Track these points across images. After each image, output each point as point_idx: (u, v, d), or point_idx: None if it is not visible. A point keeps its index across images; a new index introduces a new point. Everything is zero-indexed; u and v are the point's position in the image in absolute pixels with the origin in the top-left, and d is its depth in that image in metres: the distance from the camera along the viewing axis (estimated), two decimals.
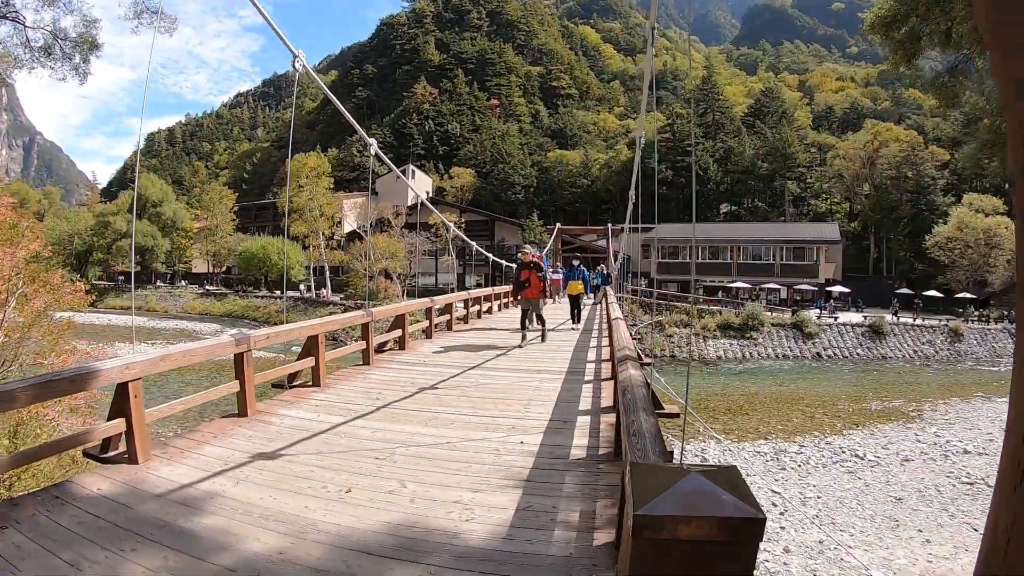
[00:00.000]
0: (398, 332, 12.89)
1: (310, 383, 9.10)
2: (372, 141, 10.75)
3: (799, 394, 31.43)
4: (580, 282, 19.81)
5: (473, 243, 30.10)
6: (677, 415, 7.54)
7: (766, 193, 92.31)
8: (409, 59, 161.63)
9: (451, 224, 27.84)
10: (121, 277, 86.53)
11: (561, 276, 39.31)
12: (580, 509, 4.58)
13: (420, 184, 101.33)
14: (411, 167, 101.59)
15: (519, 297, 14.52)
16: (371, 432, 6.69)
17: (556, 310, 23.69)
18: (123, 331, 51.95)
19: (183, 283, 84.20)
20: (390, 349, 12.77)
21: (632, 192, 19.31)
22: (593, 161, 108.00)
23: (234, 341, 7.17)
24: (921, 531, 14.53)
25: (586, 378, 10.05)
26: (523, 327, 14.39)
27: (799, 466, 19.17)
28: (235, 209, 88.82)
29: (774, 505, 15.80)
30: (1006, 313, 54.86)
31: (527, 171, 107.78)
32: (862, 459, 19.82)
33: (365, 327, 11.05)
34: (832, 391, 32.69)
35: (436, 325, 16.15)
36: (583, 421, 7.18)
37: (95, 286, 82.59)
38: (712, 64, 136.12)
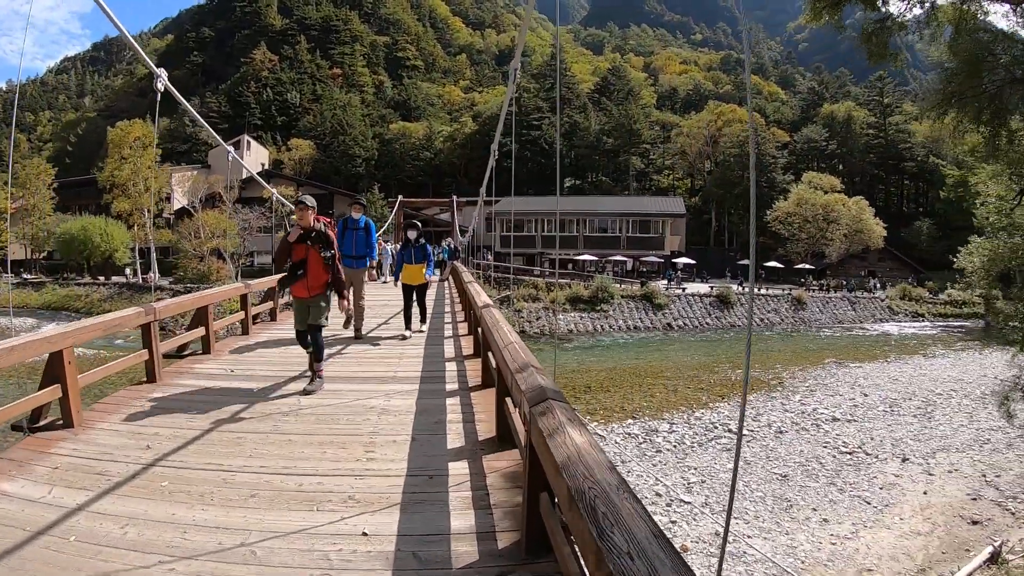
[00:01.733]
0: (200, 331, 9.72)
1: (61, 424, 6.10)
2: (161, 72, 8.92)
3: (658, 367, 29.95)
4: (422, 266, 11.97)
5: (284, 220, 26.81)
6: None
7: (610, 168, 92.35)
8: (249, 23, 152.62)
9: (285, 199, 24.89)
10: None
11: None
12: None
13: (256, 156, 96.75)
14: (246, 137, 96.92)
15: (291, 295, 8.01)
16: (120, 530, 3.88)
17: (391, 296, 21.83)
18: None
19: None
20: (191, 355, 9.66)
21: (495, 149, 16.35)
22: (437, 134, 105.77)
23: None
24: (816, 510, 13.55)
25: (449, 387, 7.84)
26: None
27: (674, 447, 17.32)
28: (55, 186, 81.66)
29: (658, 495, 13.85)
30: (844, 282, 56.67)
31: (368, 143, 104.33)
32: (735, 433, 18.10)
33: (146, 330, 7.86)
34: (689, 361, 31.56)
35: (257, 317, 13.53)
36: (458, 472, 4.94)
37: None
38: (559, 43, 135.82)
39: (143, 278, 60.15)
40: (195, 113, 12.79)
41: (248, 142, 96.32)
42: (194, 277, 51.14)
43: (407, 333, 11.63)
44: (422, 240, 12.32)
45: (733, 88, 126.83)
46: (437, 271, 36.56)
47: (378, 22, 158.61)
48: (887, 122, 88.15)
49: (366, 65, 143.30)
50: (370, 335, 11.66)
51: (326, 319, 7.86)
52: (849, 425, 19.71)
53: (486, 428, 5.91)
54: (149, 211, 60.59)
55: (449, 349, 10.50)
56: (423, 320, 12.62)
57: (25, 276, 69.44)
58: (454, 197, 56.44)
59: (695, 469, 15.46)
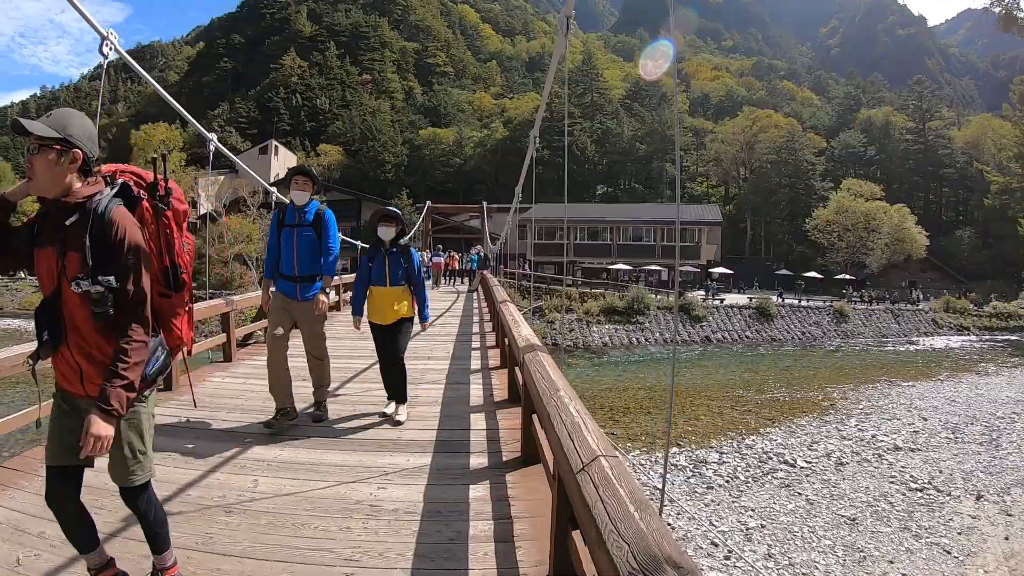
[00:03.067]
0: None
1: None
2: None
3: (700, 385, 28.04)
4: (400, 290, 6.72)
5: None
6: None
7: (643, 175, 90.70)
8: (279, 29, 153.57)
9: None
10: None
11: (443, 259, 35.55)
12: None
13: (284, 161, 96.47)
14: (274, 142, 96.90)
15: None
16: None
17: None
18: None
19: (23, 275, 75.98)
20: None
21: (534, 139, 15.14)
22: (467, 140, 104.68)
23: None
24: (892, 563, 11.79)
25: (475, 460, 5.37)
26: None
27: (727, 482, 15.57)
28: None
29: (715, 545, 12.26)
30: (887, 295, 54.76)
31: (398, 149, 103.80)
32: (793, 467, 16.54)
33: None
34: (732, 379, 29.68)
35: (249, 337, 11.86)
36: None
37: None
38: (590, 50, 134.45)
39: None
40: (236, 160, 11.25)
41: (276, 147, 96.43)
42: (215, 283, 49.97)
43: (395, 415, 6.62)
44: (403, 241, 6.90)
45: (766, 94, 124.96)
46: (458, 281, 35.40)
47: (408, 29, 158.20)
48: (926, 127, 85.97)
49: (396, 71, 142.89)
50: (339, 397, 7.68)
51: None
52: (913, 455, 17.96)
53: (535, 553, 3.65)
54: None
55: (475, 390, 8.05)
56: (398, 399, 6.76)
57: None
58: (484, 203, 54.88)
59: (752, 511, 13.92)
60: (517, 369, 6.14)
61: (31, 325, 22.56)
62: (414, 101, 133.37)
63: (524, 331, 6.47)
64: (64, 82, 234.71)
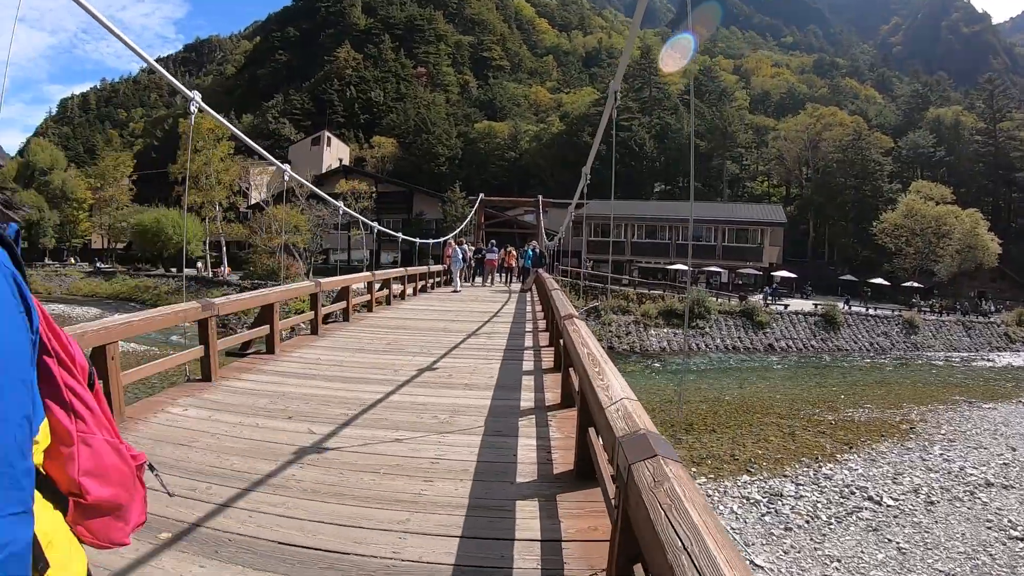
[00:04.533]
0: (264, 329, 9.90)
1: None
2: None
3: (767, 400, 25.96)
4: None
5: (359, 216, 23.49)
6: None
7: (702, 172, 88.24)
8: (334, 22, 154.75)
9: (333, 203, 22.21)
10: None
11: (496, 255, 33.65)
12: None
13: (336, 152, 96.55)
14: (326, 133, 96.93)
15: None
16: None
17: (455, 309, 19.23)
18: None
19: (73, 260, 76.83)
20: (254, 353, 9.95)
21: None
22: (523, 133, 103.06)
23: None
24: None
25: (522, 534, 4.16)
26: None
27: (806, 522, 13.67)
28: (134, 178, 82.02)
29: None
30: (957, 305, 51.97)
31: (452, 142, 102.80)
32: (879, 504, 14.64)
33: (204, 326, 8.06)
34: (801, 394, 27.56)
35: (329, 317, 14.21)
36: None
37: None
38: (648, 45, 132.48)
39: (213, 272, 59.84)
40: (257, 148, 11.34)
41: (328, 138, 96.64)
42: (263, 273, 50.04)
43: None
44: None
45: (829, 91, 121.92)
46: (514, 279, 33.46)
47: (463, 22, 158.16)
48: (996, 128, 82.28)
49: (451, 64, 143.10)
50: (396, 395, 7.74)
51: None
52: (1008, 494, 15.85)
53: None
54: (220, 204, 59.61)
55: (526, 452, 5.66)
56: None
57: (99, 265, 70.00)
58: (540, 197, 53.19)
59: (839, 562, 12.09)
60: (588, 429, 4.65)
61: (75, 310, 21.74)
62: (469, 94, 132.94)
63: (615, 386, 3.67)
64: (124, 75, 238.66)
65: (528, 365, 9.77)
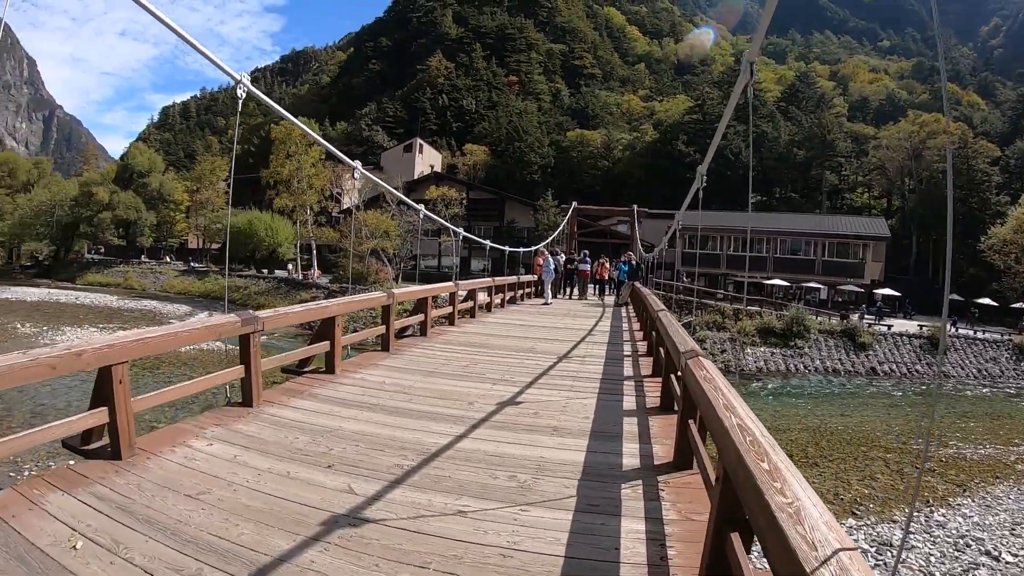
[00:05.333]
0: (324, 345, 9.11)
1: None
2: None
3: (871, 430, 24.31)
4: None
5: (448, 224, 22.85)
6: None
7: (800, 183, 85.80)
8: (425, 32, 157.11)
9: (413, 206, 21.76)
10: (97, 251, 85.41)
11: (589, 266, 32.50)
12: None
13: (428, 159, 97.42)
14: (418, 141, 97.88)
15: None
16: None
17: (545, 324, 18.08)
18: (79, 311, 48.69)
19: (168, 259, 79.56)
20: (312, 371, 9.11)
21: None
22: (616, 142, 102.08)
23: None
24: None
25: None
26: None
27: None
28: (229, 181, 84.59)
29: None
30: None
31: (545, 150, 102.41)
32: (998, 561, 13.36)
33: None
34: (909, 426, 25.67)
35: (405, 331, 13.12)
36: None
37: (78, 261, 79.10)
38: (741, 52, 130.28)
39: (304, 274, 61.01)
40: (338, 153, 10.28)
41: (420, 145, 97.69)
42: (352, 277, 49.93)
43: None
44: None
45: (930, 97, 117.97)
46: (604, 292, 32.37)
47: (554, 30, 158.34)
48: None
49: (542, 73, 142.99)
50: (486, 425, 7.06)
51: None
52: None
53: None
54: (311, 208, 60.91)
55: (632, 539, 4.38)
56: None
57: (193, 264, 72.28)
58: (635, 207, 52.13)
59: None
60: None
61: (166, 307, 22.05)
62: (561, 103, 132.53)
63: (811, 512, 2.27)
64: (223, 85, 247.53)
65: (629, 402, 8.41)
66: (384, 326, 11.31)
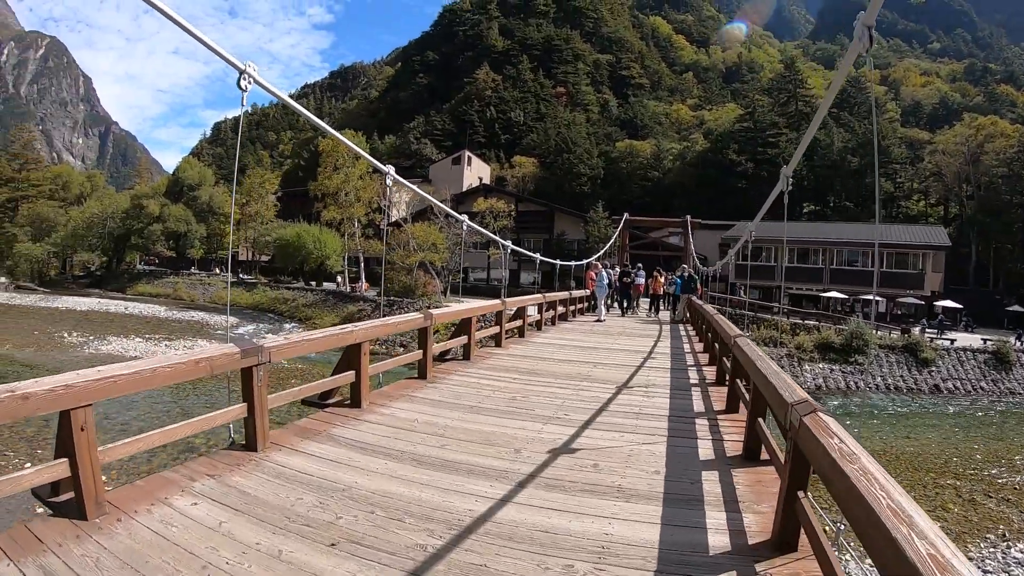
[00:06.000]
0: (349, 375, 8.07)
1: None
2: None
3: (938, 454, 22.91)
4: None
5: (496, 236, 22.29)
6: None
7: (854, 191, 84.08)
8: (472, 45, 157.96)
9: (456, 216, 21.30)
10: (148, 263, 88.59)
11: (643, 280, 31.56)
12: None
13: (476, 171, 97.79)
14: (466, 153, 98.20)
15: None
16: None
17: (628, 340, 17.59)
18: (128, 321, 50.36)
19: (218, 270, 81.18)
20: (336, 404, 8.19)
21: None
22: (666, 152, 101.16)
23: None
24: None
25: None
26: None
27: None
28: (278, 195, 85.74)
29: None
30: None
31: (594, 161, 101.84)
32: None
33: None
34: (976, 448, 24.21)
35: (446, 354, 12.29)
36: None
37: (128, 271, 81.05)
38: (791, 57, 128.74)
39: (351, 287, 61.49)
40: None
41: (469, 157, 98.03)
42: (400, 290, 50.57)
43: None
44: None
45: (984, 99, 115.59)
46: (656, 308, 31.12)
47: (600, 41, 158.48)
48: None
49: (590, 84, 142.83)
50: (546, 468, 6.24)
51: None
52: None
53: None
54: (359, 221, 61.22)
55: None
56: None
57: (242, 276, 73.58)
58: (688, 217, 51.25)
59: None
60: None
61: (213, 318, 21.52)
62: (609, 113, 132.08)
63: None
64: (274, 101, 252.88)
65: (705, 448, 7.06)
66: (421, 351, 10.26)
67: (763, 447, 6.37)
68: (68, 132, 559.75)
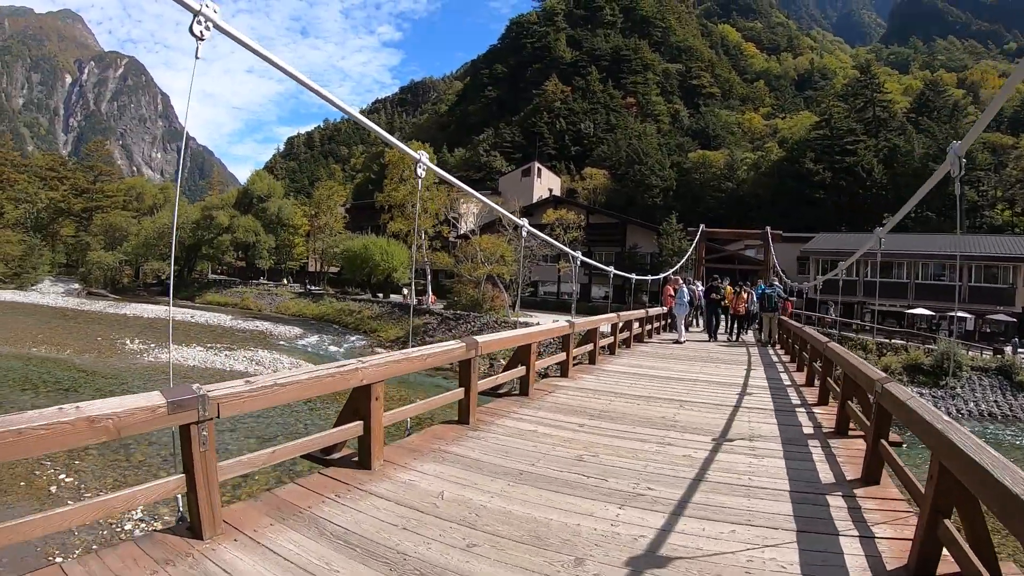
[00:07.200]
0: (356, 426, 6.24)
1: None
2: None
3: None
4: None
5: (565, 247, 20.61)
6: None
7: (937, 201, 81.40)
8: (540, 57, 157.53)
9: (522, 226, 20.62)
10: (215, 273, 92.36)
11: (701, 291, 27.57)
12: None
13: (546, 182, 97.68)
14: (536, 165, 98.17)
15: None
16: None
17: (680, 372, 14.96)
18: (192, 329, 51.01)
19: (286, 281, 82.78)
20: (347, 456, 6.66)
21: None
22: (739, 162, 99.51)
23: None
24: None
25: None
26: None
27: None
28: (347, 207, 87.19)
29: None
30: None
31: (665, 172, 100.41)
32: None
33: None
34: None
35: (500, 388, 10.38)
36: None
37: (199, 280, 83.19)
38: (864, 61, 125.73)
39: (418, 299, 60.80)
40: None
41: (539, 169, 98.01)
42: (467, 303, 50.54)
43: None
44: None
45: None
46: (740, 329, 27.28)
47: (669, 50, 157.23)
48: None
49: (660, 94, 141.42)
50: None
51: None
52: None
53: None
54: (426, 232, 60.95)
55: None
56: None
57: (310, 287, 74.71)
58: (767, 228, 49.36)
59: None
60: None
61: (277, 328, 21.03)
62: (680, 123, 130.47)
63: None
64: (343, 117, 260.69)
65: (852, 550, 4.69)
66: (462, 388, 8.19)
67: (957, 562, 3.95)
68: (147, 147, 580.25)
